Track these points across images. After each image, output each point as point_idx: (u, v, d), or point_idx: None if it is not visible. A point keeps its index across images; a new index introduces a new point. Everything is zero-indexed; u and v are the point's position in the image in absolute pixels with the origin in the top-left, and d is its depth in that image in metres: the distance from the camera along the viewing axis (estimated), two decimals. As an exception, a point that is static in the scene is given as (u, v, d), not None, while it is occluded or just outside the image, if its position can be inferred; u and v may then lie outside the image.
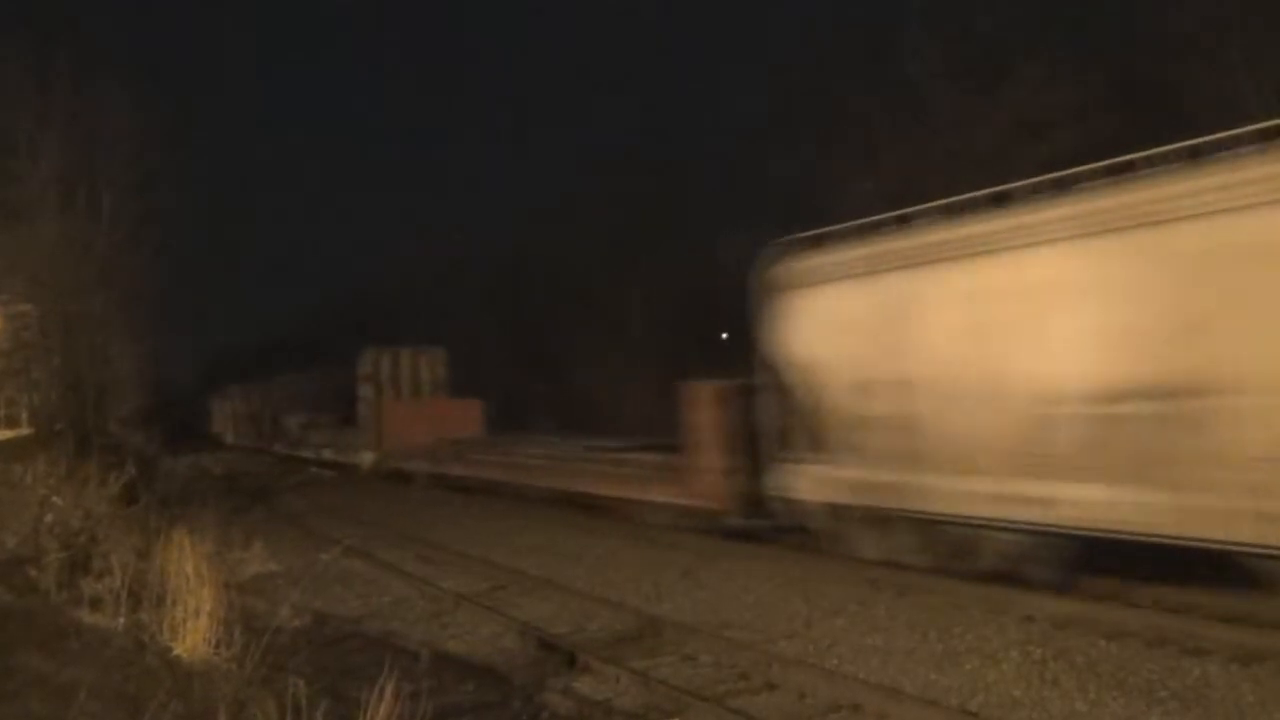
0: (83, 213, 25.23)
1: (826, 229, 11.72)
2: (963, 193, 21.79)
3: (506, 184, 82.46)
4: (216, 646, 6.16)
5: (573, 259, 37.59)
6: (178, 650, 6.18)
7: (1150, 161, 8.30)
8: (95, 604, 7.20)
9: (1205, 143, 7.84)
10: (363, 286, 59.40)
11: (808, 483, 11.07)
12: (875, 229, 10.80)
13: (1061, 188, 8.97)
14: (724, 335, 34.24)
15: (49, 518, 9.42)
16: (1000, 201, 9.50)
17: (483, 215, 78.95)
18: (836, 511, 10.80)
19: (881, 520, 10.26)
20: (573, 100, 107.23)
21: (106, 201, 25.28)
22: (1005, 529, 8.96)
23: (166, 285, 29.09)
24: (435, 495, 21.96)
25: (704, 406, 13.43)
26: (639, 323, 34.68)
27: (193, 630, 6.26)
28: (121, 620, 6.78)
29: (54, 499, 9.91)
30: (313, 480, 29.08)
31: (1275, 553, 7.02)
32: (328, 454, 32.95)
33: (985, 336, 9.08)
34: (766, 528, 12.23)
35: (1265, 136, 7.49)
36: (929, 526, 9.76)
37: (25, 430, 30.63)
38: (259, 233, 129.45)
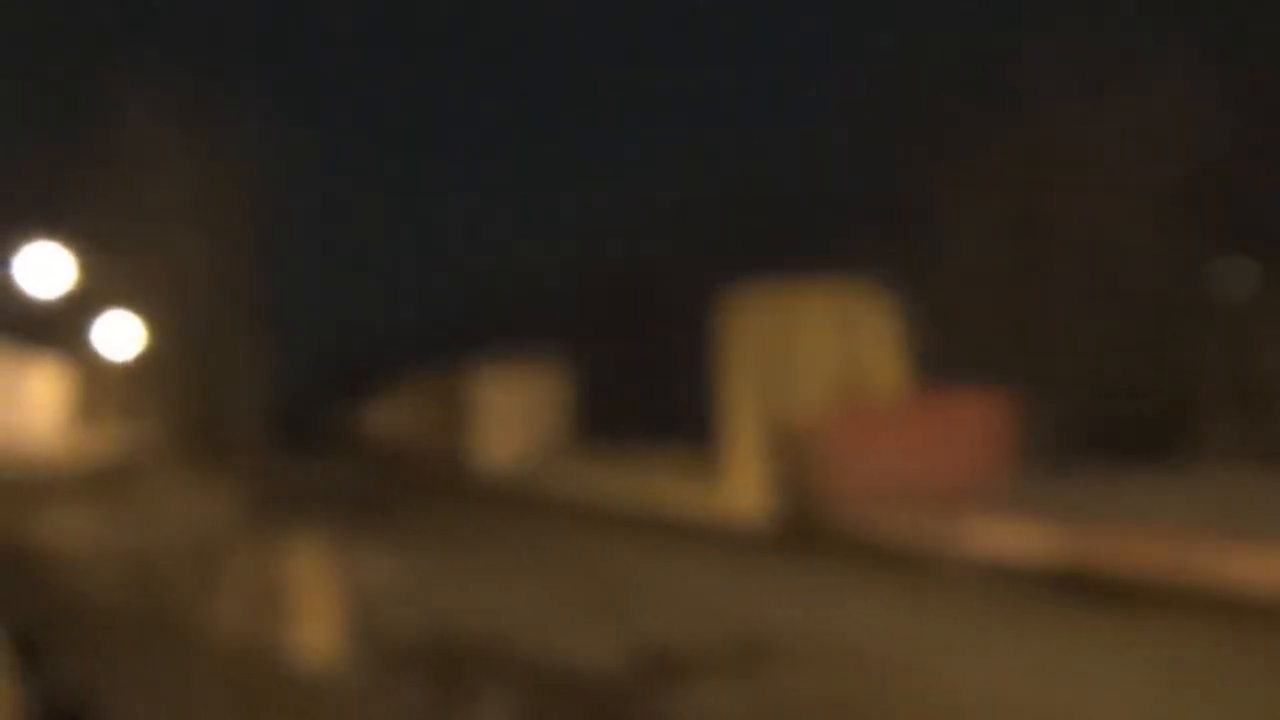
0: (214, 225, 26.36)
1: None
2: (1079, 205, 21.20)
3: (610, 190, 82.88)
4: (337, 653, 6.33)
5: (679, 267, 37.68)
6: (300, 656, 6.36)
7: None
8: (221, 608, 7.46)
9: None
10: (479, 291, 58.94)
11: None
12: None
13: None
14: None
15: (179, 522, 9.85)
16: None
17: (590, 220, 78.86)
18: None
19: None
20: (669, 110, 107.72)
21: (237, 214, 26.37)
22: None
23: (296, 294, 30.38)
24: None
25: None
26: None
27: (314, 636, 6.45)
28: (246, 625, 7.02)
29: (184, 503, 10.36)
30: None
31: None
32: None
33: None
34: None
35: None
36: None
37: (158, 436, 32.10)
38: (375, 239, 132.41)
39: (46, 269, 30.24)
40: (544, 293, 47.27)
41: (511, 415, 27.68)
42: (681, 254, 38.42)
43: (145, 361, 31.21)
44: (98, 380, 44.55)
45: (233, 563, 8.21)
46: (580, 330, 37.56)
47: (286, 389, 54.50)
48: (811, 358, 15.60)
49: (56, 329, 43.34)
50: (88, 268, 28.78)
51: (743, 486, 16.00)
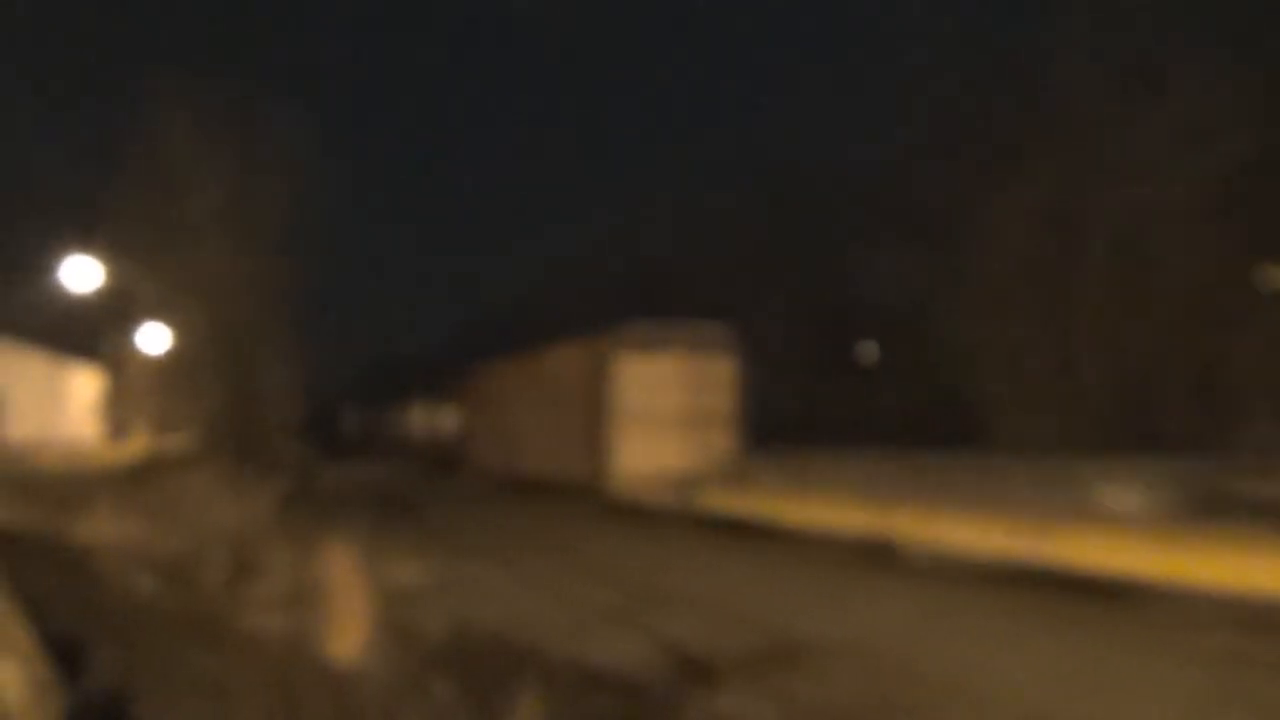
0: (246, 233, 26.64)
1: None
2: (1116, 206, 21.03)
3: (638, 193, 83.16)
4: (369, 651, 6.38)
5: (706, 272, 37.71)
6: (333, 654, 6.41)
7: None
8: (257, 607, 7.53)
9: None
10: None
11: None
12: None
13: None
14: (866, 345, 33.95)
15: (215, 522, 9.96)
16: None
17: (610, 223, 79.19)
18: None
19: None
20: (701, 113, 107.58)
21: (268, 222, 26.61)
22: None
23: (324, 297, 30.50)
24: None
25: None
26: (776, 337, 34.57)
27: (347, 635, 6.49)
28: (281, 623, 7.07)
29: (220, 504, 10.47)
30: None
31: None
32: None
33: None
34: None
35: None
36: None
37: (193, 439, 32.42)
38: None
39: (86, 278, 30.74)
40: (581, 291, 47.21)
41: (668, 409, 19.81)
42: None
43: (182, 365, 31.56)
44: (136, 384, 45.01)
45: (271, 561, 8.29)
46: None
47: (320, 392, 54.82)
48: None
49: (96, 336, 43.87)
50: (126, 277, 29.19)
51: None
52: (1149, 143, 20.89)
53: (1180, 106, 20.45)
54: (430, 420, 43.34)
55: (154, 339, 32.51)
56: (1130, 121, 21.30)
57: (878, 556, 12.67)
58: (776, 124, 74.62)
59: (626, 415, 19.77)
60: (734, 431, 20.41)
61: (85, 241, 29.16)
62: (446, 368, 44.03)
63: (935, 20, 26.03)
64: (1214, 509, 10.59)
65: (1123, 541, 10.30)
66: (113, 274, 30.09)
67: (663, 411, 19.71)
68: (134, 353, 37.75)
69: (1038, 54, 23.59)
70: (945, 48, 25.99)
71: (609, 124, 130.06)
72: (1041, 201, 22.31)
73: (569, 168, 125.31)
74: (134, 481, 16.38)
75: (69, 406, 49.83)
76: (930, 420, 24.89)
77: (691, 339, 20.34)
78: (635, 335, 20.25)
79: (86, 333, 45.99)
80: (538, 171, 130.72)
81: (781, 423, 27.40)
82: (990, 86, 24.50)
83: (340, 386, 71.09)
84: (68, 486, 16.14)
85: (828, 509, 14.08)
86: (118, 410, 52.65)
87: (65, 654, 5.52)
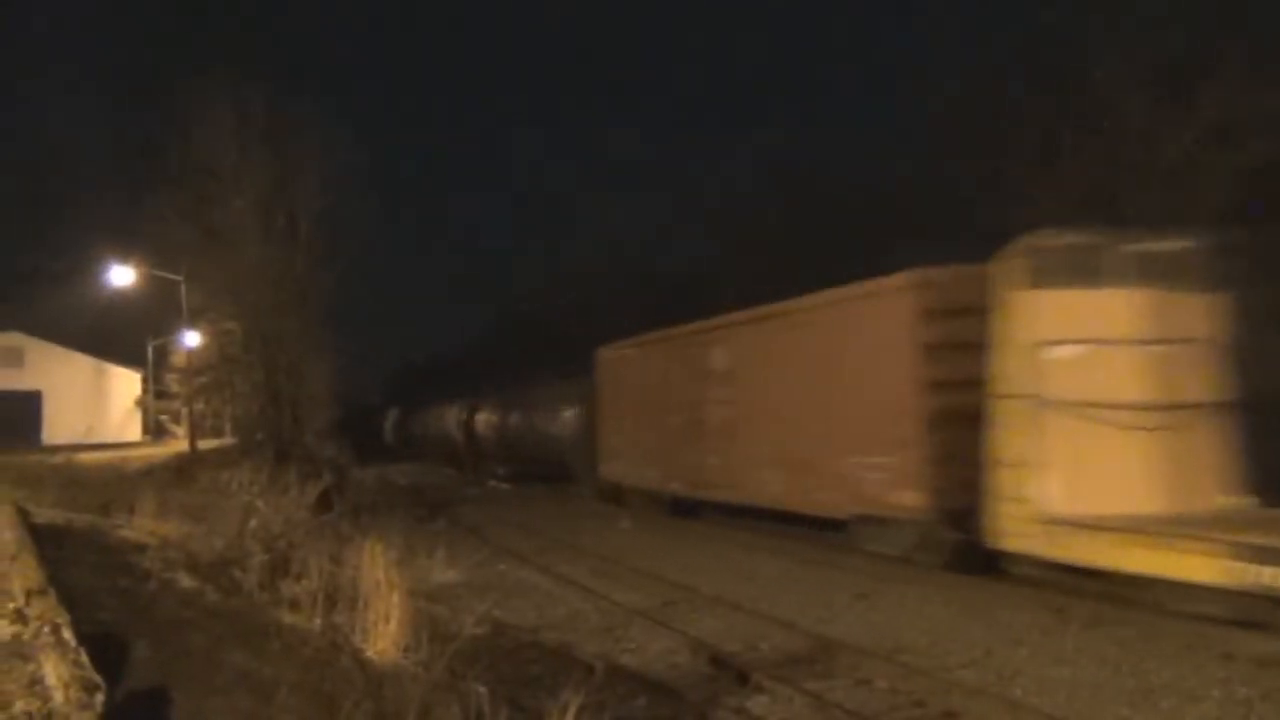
0: (281, 236, 26.87)
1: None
2: (1150, 205, 20.60)
3: (664, 196, 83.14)
4: (404, 651, 6.44)
5: (738, 274, 37.59)
6: (369, 653, 6.48)
7: None
8: (294, 606, 7.61)
9: None
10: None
11: None
12: None
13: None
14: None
15: (253, 523, 10.09)
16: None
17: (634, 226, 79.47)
18: None
19: None
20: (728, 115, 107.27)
21: (302, 224, 26.83)
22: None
23: (355, 302, 30.52)
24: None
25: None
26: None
27: (383, 634, 6.57)
28: (318, 622, 7.15)
29: (257, 505, 10.60)
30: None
31: None
32: None
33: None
34: None
35: None
36: None
37: (230, 440, 32.76)
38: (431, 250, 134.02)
39: (127, 282, 31.18)
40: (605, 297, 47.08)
41: (1123, 392, 10.34)
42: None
43: (220, 367, 31.92)
44: (176, 386, 45.46)
45: (308, 559, 8.39)
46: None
47: (359, 394, 54.97)
48: None
49: (137, 339, 44.39)
50: (165, 281, 29.60)
51: None
52: (1180, 145, 20.63)
53: (1212, 106, 20.18)
54: (471, 421, 41.50)
55: (193, 341, 32.93)
56: (1161, 124, 21.03)
57: None
58: (804, 124, 74.56)
59: (1045, 403, 10.31)
60: (1229, 432, 10.70)
61: (126, 247, 29.61)
62: (484, 367, 43.04)
63: (966, 20, 25.87)
64: None
65: None
66: (152, 278, 30.52)
67: (1112, 396, 10.33)
68: (174, 355, 38.11)
69: (1069, 55, 23.32)
70: (975, 47, 25.78)
71: (627, 123, 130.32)
72: (1070, 198, 22.05)
73: (579, 173, 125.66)
74: (173, 482, 16.61)
75: (111, 408, 50.67)
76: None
77: (1148, 257, 10.71)
78: (1054, 252, 10.69)
79: (127, 336, 46.78)
80: (569, 171, 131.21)
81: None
82: (1020, 88, 24.25)
83: (380, 388, 71.55)
84: (110, 486, 16.40)
85: None
86: (157, 411, 53.46)
87: (109, 650, 5.62)
